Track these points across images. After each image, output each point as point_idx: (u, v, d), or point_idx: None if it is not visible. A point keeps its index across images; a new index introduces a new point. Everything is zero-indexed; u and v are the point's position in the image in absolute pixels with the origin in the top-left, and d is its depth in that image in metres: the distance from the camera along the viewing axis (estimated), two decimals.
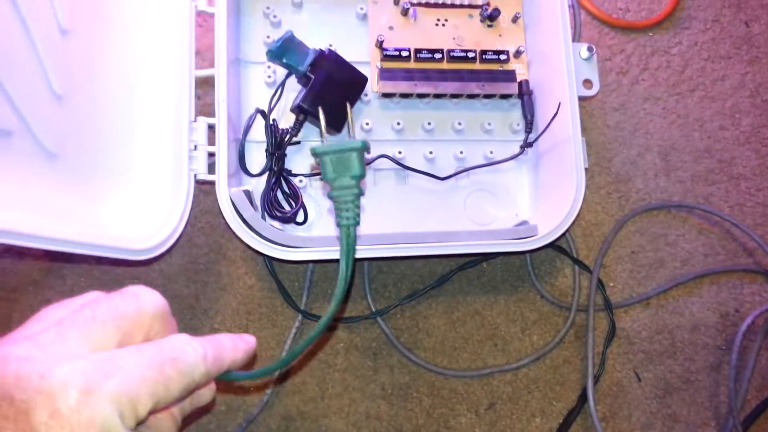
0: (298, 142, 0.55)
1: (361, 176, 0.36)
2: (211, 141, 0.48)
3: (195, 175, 0.47)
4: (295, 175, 0.55)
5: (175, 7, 0.48)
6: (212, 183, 0.47)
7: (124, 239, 0.39)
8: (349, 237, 0.35)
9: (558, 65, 0.54)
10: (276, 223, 0.52)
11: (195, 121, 0.48)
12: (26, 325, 0.25)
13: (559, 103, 0.52)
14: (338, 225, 0.36)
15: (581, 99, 0.53)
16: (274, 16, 0.57)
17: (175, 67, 0.47)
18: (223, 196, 0.47)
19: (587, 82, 0.55)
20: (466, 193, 0.58)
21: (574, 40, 0.60)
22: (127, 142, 0.46)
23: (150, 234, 0.42)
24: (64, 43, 0.40)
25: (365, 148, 0.36)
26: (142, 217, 0.43)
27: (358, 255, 0.47)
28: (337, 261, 0.35)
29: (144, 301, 0.26)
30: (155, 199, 0.44)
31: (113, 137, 0.45)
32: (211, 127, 0.48)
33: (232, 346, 0.28)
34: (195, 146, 0.47)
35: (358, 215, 0.35)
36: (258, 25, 0.58)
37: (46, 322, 0.25)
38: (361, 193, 0.36)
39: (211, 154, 0.48)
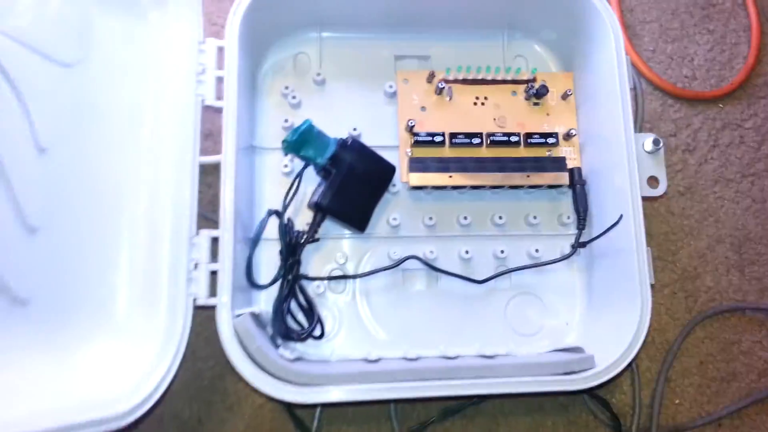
0: (317, 240, 0.49)
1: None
2: (214, 251, 0.42)
3: (194, 300, 0.41)
4: (313, 279, 0.49)
5: (178, 104, 0.42)
6: (213, 307, 0.41)
7: (103, 403, 0.33)
8: None
9: (617, 159, 0.46)
10: (287, 352, 0.44)
11: (197, 235, 0.42)
12: None
13: (621, 215, 0.45)
14: None
15: (644, 199, 0.45)
16: (293, 97, 0.51)
17: (173, 173, 0.41)
18: (225, 326, 0.40)
19: (653, 181, 0.47)
20: (508, 297, 0.51)
21: (636, 120, 0.52)
22: (110, 270, 0.40)
23: (134, 387, 0.35)
24: (42, 163, 0.35)
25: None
26: (128, 365, 0.37)
27: (378, 395, 0.40)
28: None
29: None
30: (145, 337, 0.38)
31: (95, 267, 0.39)
32: (215, 240, 0.42)
33: None
34: (195, 265, 0.41)
35: None
36: (275, 107, 0.52)
37: None
38: None
39: (214, 272, 0.42)
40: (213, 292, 0.41)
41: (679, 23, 0.60)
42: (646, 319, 0.43)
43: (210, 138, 0.52)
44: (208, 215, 0.49)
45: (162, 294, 0.40)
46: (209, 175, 0.51)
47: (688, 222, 0.56)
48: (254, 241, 0.45)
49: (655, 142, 0.46)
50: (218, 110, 0.44)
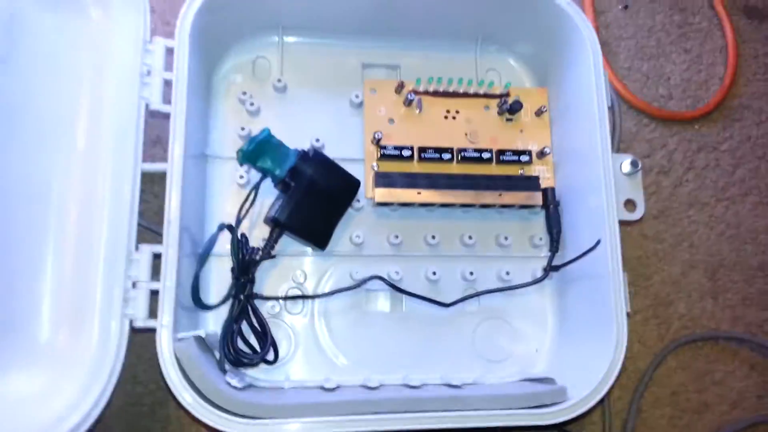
0: (273, 257, 0.45)
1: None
2: (156, 268, 0.38)
3: (131, 323, 0.37)
4: (267, 299, 0.45)
5: (118, 107, 0.38)
6: (153, 330, 0.37)
7: None
8: None
9: (593, 180, 0.44)
10: (234, 380, 0.41)
11: (137, 250, 0.38)
12: None
13: (598, 240, 0.42)
14: None
15: (621, 223, 0.43)
16: (251, 104, 0.48)
17: (111, 181, 0.38)
18: (165, 350, 0.36)
19: (629, 204, 0.45)
20: (476, 321, 0.48)
21: (612, 140, 0.50)
22: (33, 287, 0.36)
23: (58, 419, 0.31)
24: None
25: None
26: (52, 394, 0.33)
27: (336, 428, 0.37)
28: None
29: None
30: (72, 363, 0.34)
31: (14, 282, 0.35)
32: (157, 256, 0.38)
33: None
34: (134, 283, 0.37)
35: None
36: (231, 113, 0.48)
37: None
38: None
39: (156, 291, 0.38)
40: (154, 313, 0.37)
41: (656, 41, 0.58)
42: (621, 350, 0.41)
43: (159, 145, 0.48)
44: (154, 228, 0.45)
45: (93, 315, 0.36)
46: (157, 185, 0.47)
47: (662, 246, 0.54)
48: (202, 258, 0.41)
49: (633, 164, 0.44)
50: (166, 115, 0.40)
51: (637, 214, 0.44)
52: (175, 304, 0.37)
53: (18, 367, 0.34)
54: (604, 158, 0.44)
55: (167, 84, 0.41)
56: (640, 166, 0.45)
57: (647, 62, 0.58)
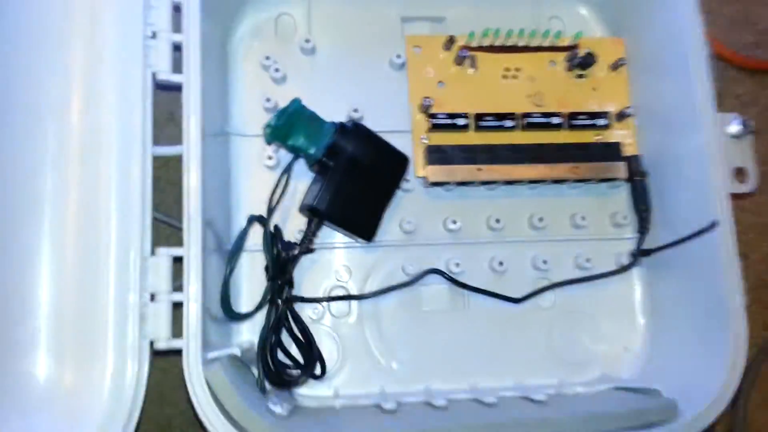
0: (312, 251, 0.38)
1: None
2: (178, 274, 0.31)
3: (151, 345, 0.30)
4: (309, 301, 0.38)
5: (120, 79, 0.31)
6: (179, 351, 0.30)
7: None
8: None
9: (693, 146, 0.36)
10: (277, 407, 0.34)
11: (153, 254, 0.31)
12: None
13: (714, 222, 0.35)
14: None
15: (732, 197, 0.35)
16: (276, 70, 0.40)
17: (116, 170, 0.30)
18: (195, 376, 0.30)
19: (739, 174, 0.37)
20: (552, 318, 0.41)
21: None
22: (25, 313, 0.29)
23: None
24: None
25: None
26: None
27: None
28: None
29: None
30: (81, 409, 0.27)
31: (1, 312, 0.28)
32: (178, 259, 0.31)
33: None
34: (152, 296, 0.31)
35: None
36: (254, 82, 0.41)
37: None
38: None
39: (178, 304, 0.31)
40: (178, 331, 0.31)
41: None
42: (741, 353, 0.34)
43: (172, 123, 0.41)
44: (173, 222, 0.38)
45: (105, 341, 0.29)
46: (173, 170, 0.40)
47: (761, 220, 0.46)
48: (232, 258, 0.34)
49: (744, 125, 0.36)
50: (177, 87, 0.32)
51: (750, 186, 0.37)
52: (202, 318, 0.30)
53: (10, 419, 0.27)
54: (706, 118, 0.36)
55: (176, 48, 0.33)
56: (750, 126, 0.37)
57: (730, 5, 0.49)
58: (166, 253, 0.31)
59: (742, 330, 0.34)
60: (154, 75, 0.32)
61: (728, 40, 0.49)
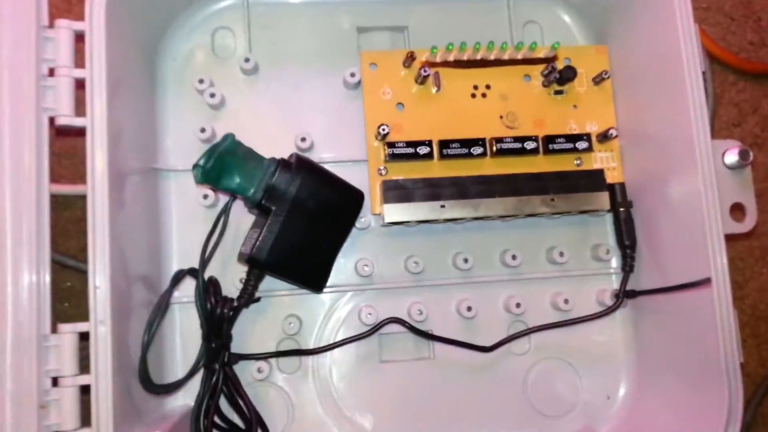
0: (256, 300, 0.34)
1: None
2: (84, 349, 0.27)
3: None
4: (252, 358, 0.34)
5: (7, 128, 0.26)
6: None
7: None
8: None
9: (684, 177, 0.32)
10: None
11: (53, 332, 0.27)
12: None
13: (707, 279, 0.30)
14: None
15: (727, 237, 0.31)
16: (212, 95, 0.35)
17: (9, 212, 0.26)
18: None
19: (737, 210, 0.32)
20: (527, 366, 0.37)
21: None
22: None
23: None
24: None
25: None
26: None
27: None
28: None
29: None
30: None
31: None
32: (84, 335, 0.27)
33: None
34: (54, 380, 0.26)
35: None
36: (187, 109, 0.36)
37: None
38: None
39: (86, 386, 0.27)
40: (86, 419, 0.27)
41: None
42: (737, 415, 0.30)
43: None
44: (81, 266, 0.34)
45: None
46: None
47: (759, 243, 0.42)
48: (151, 326, 0.30)
49: (742, 155, 0.32)
50: (81, 132, 0.28)
51: (748, 225, 0.32)
52: (114, 402, 0.26)
53: None
54: (701, 147, 0.31)
55: (78, 83, 0.28)
56: (750, 156, 0.32)
57: None
58: (69, 331, 0.27)
59: (737, 384, 0.30)
60: (51, 120, 0.28)
61: (726, 40, 0.44)
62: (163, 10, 0.35)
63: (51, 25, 0.28)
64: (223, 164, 0.31)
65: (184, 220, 0.35)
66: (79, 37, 0.29)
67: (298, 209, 0.32)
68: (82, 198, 0.34)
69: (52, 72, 0.28)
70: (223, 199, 0.35)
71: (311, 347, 0.35)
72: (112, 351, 0.27)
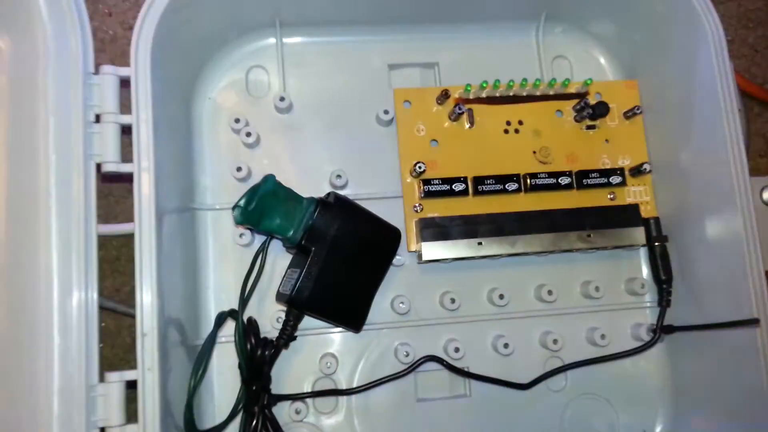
0: (293, 339, 0.34)
1: None
2: (132, 398, 0.27)
3: None
4: (289, 398, 0.34)
5: (55, 176, 0.26)
6: None
7: None
8: None
9: (721, 214, 0.32)
10: None
11: (101, 382, 0.27)
12: None
13: (755, 319, 0.30)
14: None
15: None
16: (248, 134, 0.35)
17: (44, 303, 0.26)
18: None
19: None
20: (564, 402, 0.37)
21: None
22: None
23: None
24: None
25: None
26: None
27: None
28: None
29: None
30: None
31: None
32: (132, 384, 0.27)
33: None
34: (102, 430, 0.26)
35: None
36: (223, 149, 0.36)
37: None
38: None
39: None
40: None
41: (764, 1, 0.45)
42: None
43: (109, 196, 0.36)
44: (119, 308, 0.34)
45: None
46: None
47: None
48: (197, 371, 0.30)
49: None
50: (128, 178, 0.28)
51: None
52: None
53: None
54: (740, 189, 0.31)
55: (125, 130, 0.29)
56: None
57: (754, 30, 0.45)
58: (117, 379, 0.27)
59: None
60: (99, 166, 0.28)
61: (752, 72, 0.44)
62: (200, 50, 0.35)
63: (96, 71, 0.28)
64: (264, 205, 0.31)
65: (219, 259, 0.35)
66: (125, 82, 0.29)
67: (338, 249, 0.32)
68: (117, 238, 0.35)
69: (98, 118, 0.28)
70: (259, 238, 0.35)
71: (348, 386, 0.35)
72: (160, 399, 0.26)
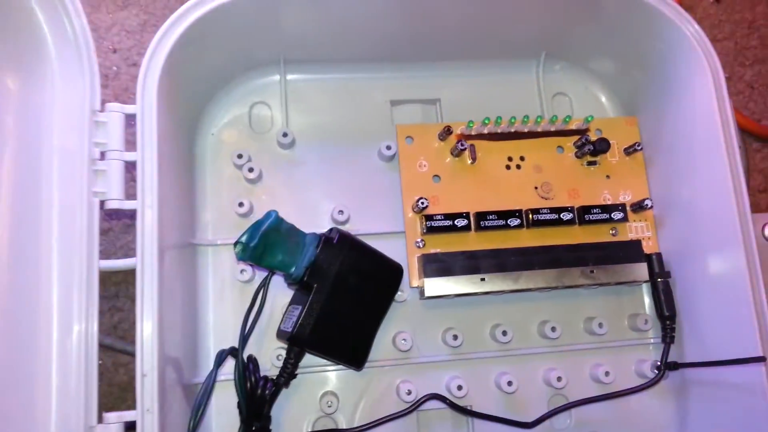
0: (294, 376, 0.33)
1: None
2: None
3: None
4: None
5: (57, 212, 0.26)
6: None
7: None
8: None
9: (722, 252, 0.32)
10: None
11: (101, 421, 0.26)
12: None
13: (762, 357, 0.30)
14: None
15: None
16: (250, 169, 0.35)
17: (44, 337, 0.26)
18: None
19: None
20: None
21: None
22: None
23: None
24: None
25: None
26: None
27: None
28: None
29: None
30: None
31: None
32: (131, 425, 0.26)
33: None
34: None
35: None
36: (225, 184, 0.36)
37: None
38: None
39: None
40: None
41: (759, 39, 0.46)
42: None
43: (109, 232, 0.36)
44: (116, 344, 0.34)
45: None
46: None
47: None
48: (196, 414, 0.29)
49: None
50: (130, 215, 0.28)
51: None
52: None
53: None
54: (742, 223, 0.31)
55: (129, 166, 0.29)
56: None
57: (750, 68, 0.45)
58: (115, 419, 0.26)
59: None
60: (102, 203, 0.28)
61: (749, 108, 0.45)
62: (205, 87, 0.35)
63: (102, 109, 0.28)
64: (267, 242, 0.31)
65: (219, 295, 0.35)
66: (130, 118, 0.29)
67: (340, 286, 0.32)
68: (115, 273, 0.34)
69: (102, 155, 0.28)
70: (260, 274, 0.35)
71: (349, 425, 0.34)
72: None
